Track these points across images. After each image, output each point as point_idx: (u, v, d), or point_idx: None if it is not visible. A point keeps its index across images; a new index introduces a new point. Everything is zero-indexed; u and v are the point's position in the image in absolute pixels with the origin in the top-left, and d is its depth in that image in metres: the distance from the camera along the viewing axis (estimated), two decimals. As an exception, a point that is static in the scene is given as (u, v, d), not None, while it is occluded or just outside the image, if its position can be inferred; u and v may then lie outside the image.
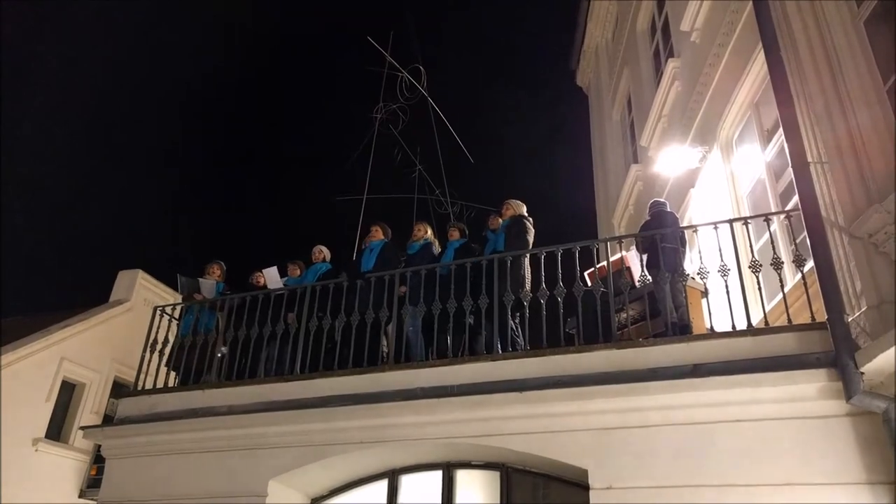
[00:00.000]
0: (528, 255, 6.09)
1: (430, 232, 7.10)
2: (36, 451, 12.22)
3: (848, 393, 4.05)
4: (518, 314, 5.97)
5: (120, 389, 12.29)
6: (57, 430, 12.89)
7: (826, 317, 4.30)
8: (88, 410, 13.31)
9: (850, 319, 4.22)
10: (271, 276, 7.22)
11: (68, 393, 13.25)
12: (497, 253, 6.09)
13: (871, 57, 4.68)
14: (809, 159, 4.72)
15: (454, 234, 6.97)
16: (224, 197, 41.69)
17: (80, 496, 12.81)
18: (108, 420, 10.78)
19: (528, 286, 5.90)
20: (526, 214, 6.74)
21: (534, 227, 6.58)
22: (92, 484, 12.67)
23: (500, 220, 6.88)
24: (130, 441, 6.13)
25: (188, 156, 41.05)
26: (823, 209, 4.57)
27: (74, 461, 12.95)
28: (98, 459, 12.43)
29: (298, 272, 7.50)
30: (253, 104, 42.91)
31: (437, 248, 7.04)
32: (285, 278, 7.39)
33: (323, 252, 7.56)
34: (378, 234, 7.08)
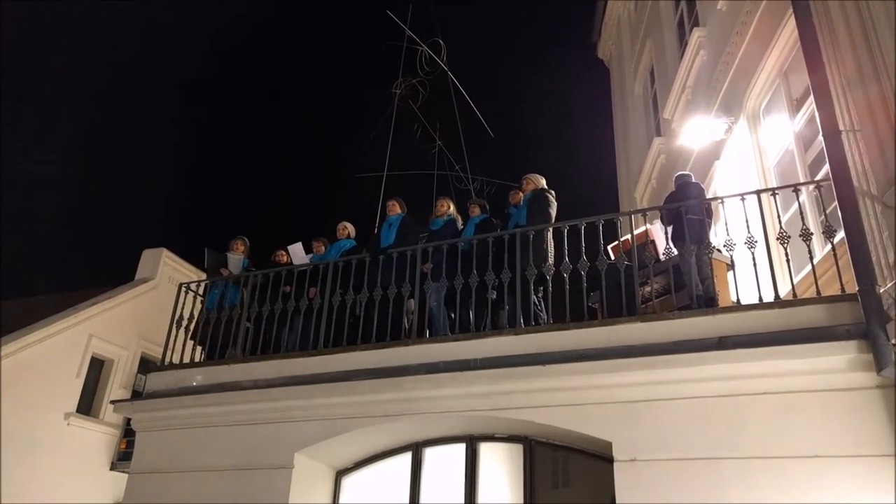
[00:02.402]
0: (550, 229, 6.04)
1: (452, 207, 7.07)
2: (68, 425, 12.54)
3: (878, 365, 3.98)
4: (541, 288, 5.95)
5: (147, 365, 12.53)
6: (87, 405, 13.21)
7: (856, 288, 4.22)
8: (117, 385, 13.62)
9: (881, 291, 4.13)
10: (296, 252, 7.26)
11: (97, 369, 13.56)
12: (520, 227, 6.05)
13: (908, 19, 4.51)
14: (841, 127, 4.60)
15: (475, 211, 6.95)
16: (246, 176, 41.93)
17: (112, 469, 13.16)
18: (137, 395, 11.00)
19: (551, 260, 5.87)
20: (547, 187, 6.68)
21: (556, 201, 6.52)
22: (122, 457, 13.00)
23: (522, 195, 6.83)
24: (159, 414, 6.25)
25: (210, 134, 41.26)
26: (855, 178, 4.46)
27: (105, 435, 13.28)
28: (128, 433, 12.76)
29: (323, 249, 7.52)
30: (274, 83, 42.91)
31: (459, 224, 7.02)
32: (310, 255, 7.42)
33: (347, 228, 7.57)
34: (396, 209, 7.08)
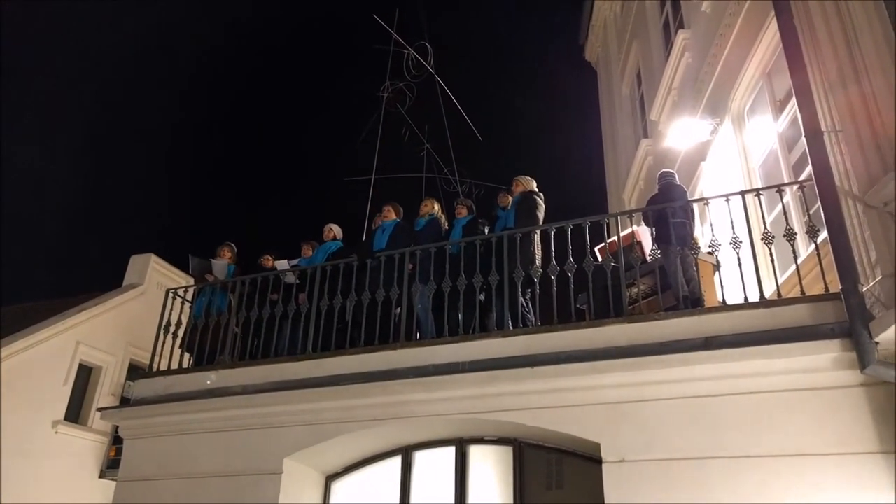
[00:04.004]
0: (538, 231, 6.06)
1: (437, 207, 7.08)
2: (56, 433, 12.41)
3: (862, 363, 4.02)
4: (529, 290, 5.96)
5: (135, 372, 12.44)
6: (76, 413, 13.07)
7: (840, 287, 4.26)
8: (105, 393, 13.48)
9: (864, 289, 4.17)
10: (283, 268, 7.26)
11: (85, 376, 13.43)
12: (507, 229, 6.06)
13: (888, 20, 4.56)
14: (823, 128, 4.64)
15: (461, 212, 6.94)
16: (235, 181, 41.77)
17: (101, 477, 13.03)
18: (125, 402, 10.94)
19: (538, 262, 5.88)
20: (536, 190, 6.70)
21: (544, 203, 6.54)
22: (111, 465, 12.87)
23: (510, 198, 6.84)
24: (147, 421, 6.21)
25: (198, 140, 41.08)
26: (837, 178, 4.50)
27: (94, 443, 13.16)
28: (117, 441, 12.64)
29: (311, 252, 7.51)
30: (263, 87, 42.78)
31: (444, 225, 7.01)
32: (297, 259, 7.41)
33: (333, 230, 7.56)
34: (391, 214, 7.06)
